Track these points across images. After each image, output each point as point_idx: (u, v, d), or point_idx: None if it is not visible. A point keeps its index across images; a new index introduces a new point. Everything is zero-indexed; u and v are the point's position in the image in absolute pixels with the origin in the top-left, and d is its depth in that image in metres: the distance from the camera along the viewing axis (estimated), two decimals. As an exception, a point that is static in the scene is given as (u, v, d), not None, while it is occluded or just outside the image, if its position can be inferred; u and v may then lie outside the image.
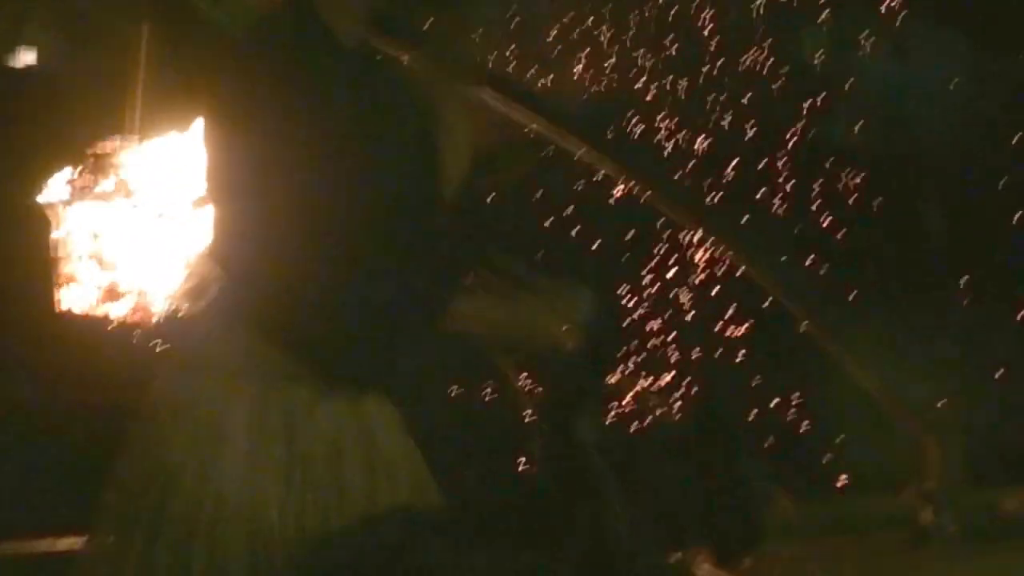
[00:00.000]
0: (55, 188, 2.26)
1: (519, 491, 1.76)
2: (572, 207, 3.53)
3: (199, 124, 2.15)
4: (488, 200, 1.96)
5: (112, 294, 2.25)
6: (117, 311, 2.26)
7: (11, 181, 2.31)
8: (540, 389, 1.74)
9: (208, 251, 1.61)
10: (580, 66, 4.21)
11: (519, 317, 1.69)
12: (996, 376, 4.20)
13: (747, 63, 6.67)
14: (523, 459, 1.73)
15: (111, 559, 1.58)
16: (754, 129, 6.53)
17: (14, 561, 2.21)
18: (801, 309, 2.33)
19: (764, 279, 2.38)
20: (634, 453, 1.80)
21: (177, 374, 1.65)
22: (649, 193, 2.44)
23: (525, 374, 1.80)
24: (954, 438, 2.42)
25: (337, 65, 1.64)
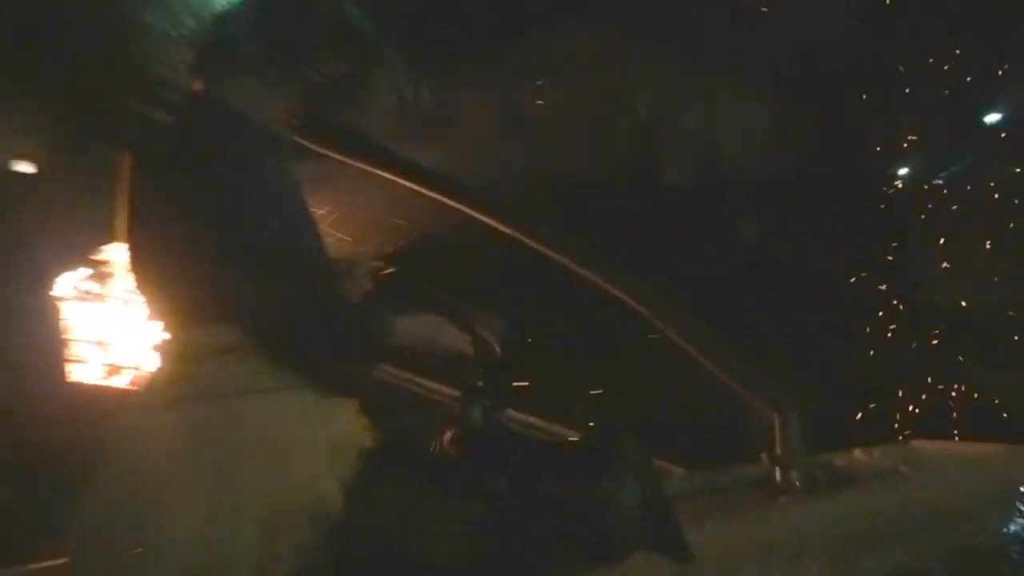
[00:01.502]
0: (64, 286, 2.22)
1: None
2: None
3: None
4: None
5: (113, 370, 2.21)
6: (119, 383, 2.22)
7: (25, 277, 2.25)
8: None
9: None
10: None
11: (433, 333, 1.75)
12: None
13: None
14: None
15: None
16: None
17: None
18: (670, 320, 2.36)
19: (637, 297, 2.39)
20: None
21: (140, 413, 1.65)
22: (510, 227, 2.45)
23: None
24: (794, 415, 2.46)
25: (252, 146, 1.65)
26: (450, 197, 2.39)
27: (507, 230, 2.42)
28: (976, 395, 9.46)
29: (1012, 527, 2.58)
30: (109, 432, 1.64)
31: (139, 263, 1.72)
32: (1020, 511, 2.64)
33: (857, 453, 2.70)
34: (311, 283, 1.61)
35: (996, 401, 9.28)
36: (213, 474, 1.53)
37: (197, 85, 1.73)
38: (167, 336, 1.66)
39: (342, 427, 1.64)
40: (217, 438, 1.55)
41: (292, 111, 1.73)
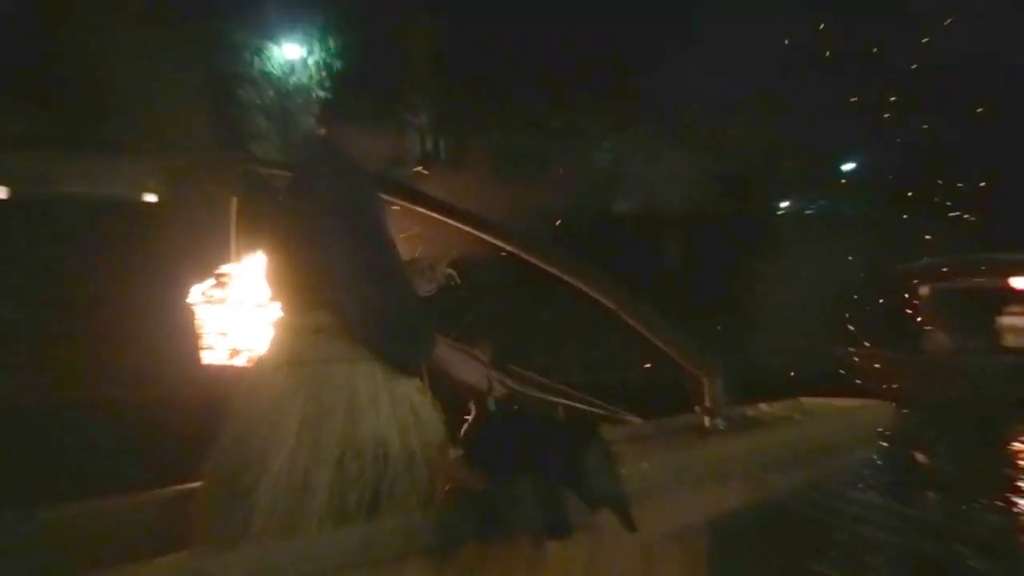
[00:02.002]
0: (195, 293, 2.26)
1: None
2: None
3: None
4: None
5: (234, 353, 2.26)
6: (238, 362, 2.27)
7: (167, 287, 2.30)
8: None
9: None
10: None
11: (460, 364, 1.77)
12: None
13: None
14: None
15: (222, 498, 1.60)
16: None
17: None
18: (631, 311, 2.38)
19: (606, 294, 2.38)
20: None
21: (254, 375, 1.72)
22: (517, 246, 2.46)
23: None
24: (718, 379, 2.52)
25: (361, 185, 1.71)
26: (471, 226, 2.42)
27: (512, 248, 2.45)
28: (840, 366, 9.58)
29: (867, 456, 2.68)
30: (232, 388, 1.69)
31: (265, 267, 1.77)
32: (871, 445, 2.74)
33: (762, 406, 2.76)
34: (384, 285, 1.65)
35: (853, 368, 9.41)
36: (304, 420, 1.57)
37: (320, 132, 1.81)
38: (278, 318, 1.71)
39: (402, 390, 1.67)
40: (309, 394, 1.59)
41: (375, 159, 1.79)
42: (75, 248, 12.95)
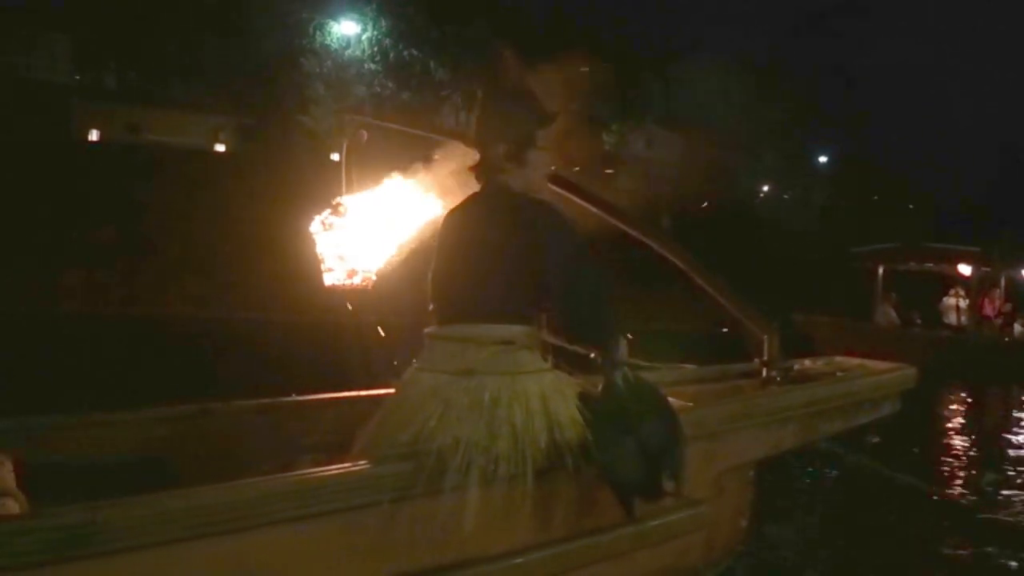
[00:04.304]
0: (316, 223, 2.08)
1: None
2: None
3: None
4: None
5: (351, 273, 2.13)
6: (354, 282, 2.14)
7: (297, 218, 2.18)
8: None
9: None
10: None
11: None
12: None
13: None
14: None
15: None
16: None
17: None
18: (710, 283, 2.23)
19: (683, 265, 2.29)
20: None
21: (410, 371, 1.67)
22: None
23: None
24: (775, 336, 2.41)
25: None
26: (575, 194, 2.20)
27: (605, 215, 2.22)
28: (800, 331, 9.46)
29: (892, 411, 2.54)
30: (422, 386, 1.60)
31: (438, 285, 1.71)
32: (896, 403, 2.57)
33: (807, 361, 2.64)
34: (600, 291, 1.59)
35: (811, 333, 9.27)
36: (484, 417, 1.49)
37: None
38: (450, 329, 1.63)
39: (570, 393, 1.61)
40: (490, 398, 1.52)
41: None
42: (152, 186, 12.81)
